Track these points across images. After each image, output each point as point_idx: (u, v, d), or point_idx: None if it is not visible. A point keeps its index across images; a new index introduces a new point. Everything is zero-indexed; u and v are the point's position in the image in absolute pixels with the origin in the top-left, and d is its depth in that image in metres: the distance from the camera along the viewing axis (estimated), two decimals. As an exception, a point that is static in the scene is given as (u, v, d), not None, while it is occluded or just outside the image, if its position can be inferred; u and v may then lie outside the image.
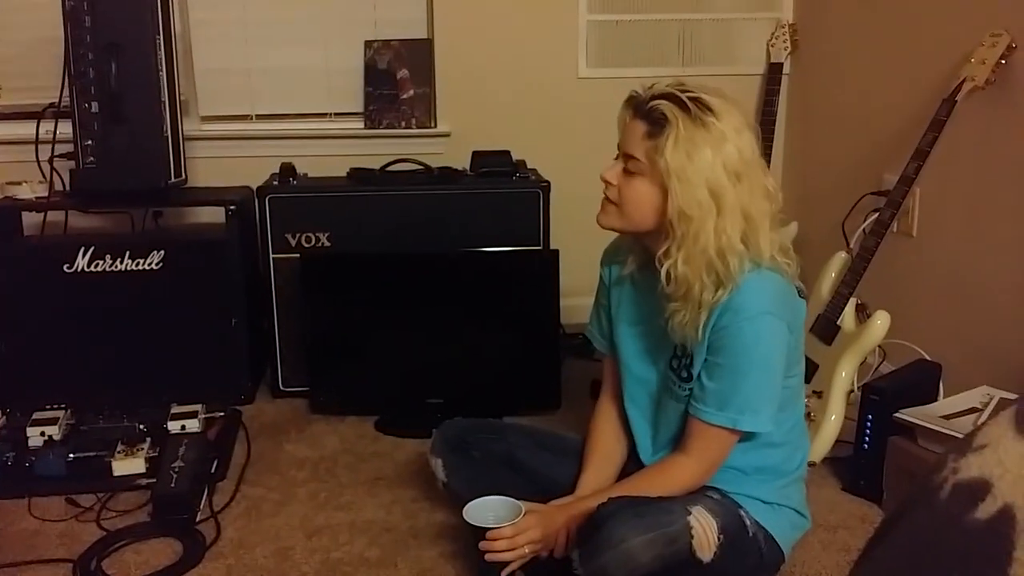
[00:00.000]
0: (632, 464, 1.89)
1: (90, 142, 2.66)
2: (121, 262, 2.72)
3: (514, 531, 1.70)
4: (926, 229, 2.67)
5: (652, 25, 3.42)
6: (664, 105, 1.58)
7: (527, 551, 1.71)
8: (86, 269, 2.71)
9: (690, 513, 1.63)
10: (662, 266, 1.63)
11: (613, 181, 1.68)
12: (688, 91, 1.60)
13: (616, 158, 1.69)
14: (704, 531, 1.62)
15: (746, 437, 1.70)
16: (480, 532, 1.73)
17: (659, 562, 1.56)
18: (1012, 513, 0.35)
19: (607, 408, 1.97)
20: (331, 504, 2.29)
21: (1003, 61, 2.26)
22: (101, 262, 2.71)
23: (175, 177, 2.80)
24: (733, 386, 1.63)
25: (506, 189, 2.88)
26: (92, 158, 2.67)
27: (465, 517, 1.77)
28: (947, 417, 2.11)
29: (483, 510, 1.78)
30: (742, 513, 1.73)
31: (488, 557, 1.72)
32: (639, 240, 1.76)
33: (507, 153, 3.00)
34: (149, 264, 2.73)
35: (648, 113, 1.60)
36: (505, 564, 1.73)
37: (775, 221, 1.65)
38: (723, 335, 1.61)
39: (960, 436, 1.97)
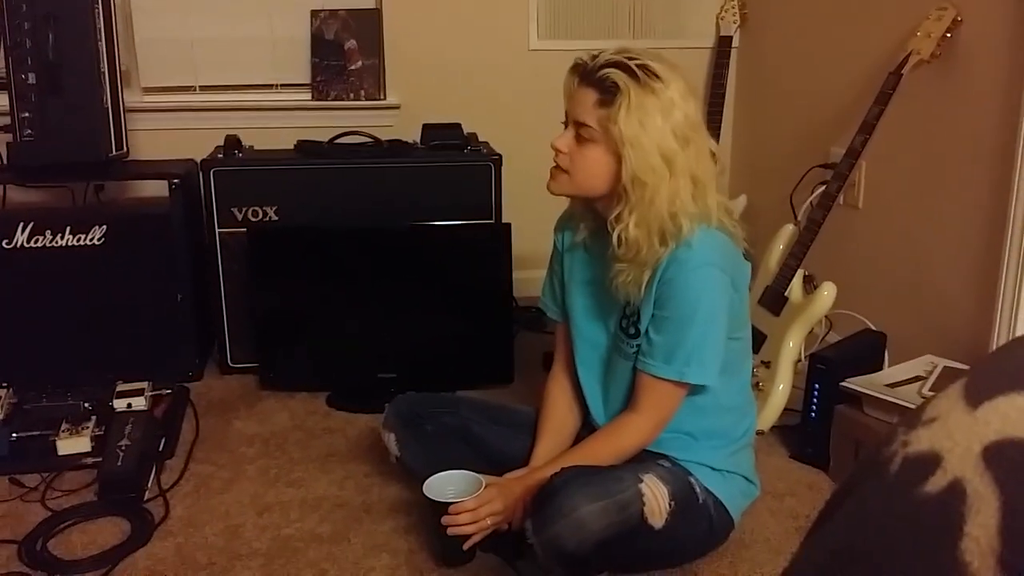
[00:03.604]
0: (586, 432, 1.91)
1: (27, 114, 2.58)
2: (62, 237, 2.64)
3: (477, 503, 1.71)
4: (872, 201, 2.71)
5: (602, -3, 3.40)
6: (614, 73, 1.59)
7: (489, 523, 1.72)
8: (26, 245, 2.63)
9: (641, 480, 1.65)
10: (614, 230, 1.64)
11: (564, 149, 1.68)
12: (635, 58, 1.61)
13: (565, 126, 1.69)
14: (655, 498, 1.64)
15: (695, 394, 1.72)
16: (440, 507, 1.73)
17: (611, 530, 1.58)
18: (962, 487, 0.36)
19: (560, 377, 1.98)
20: (282, 480, 2.27)
21: (948, 35, 2.29)
22: (41, 237, 2.63)
23: (116, 150, 2.73)
24: (678, 338, 1.65)
25: (457, 162, 2.85)
26: (30, 130, 2.59)
27: (425, 492, 1.77)
28: (892, 385, 2.15)
29: (443, 484, 1.78)
30: (692, 480, 1.75)
31: (451, 531, 1.72)
32: (590, 206, 1.78)
33: (458, 126, 2.97)
34: (91, 239, 2.66)
35: (599, 81, 1.61)
36: (467, 538, 1.73)
37: (717, 182, 1.70)
38: (669, 287, 1.64)
39: (905, 404, 2.02)
